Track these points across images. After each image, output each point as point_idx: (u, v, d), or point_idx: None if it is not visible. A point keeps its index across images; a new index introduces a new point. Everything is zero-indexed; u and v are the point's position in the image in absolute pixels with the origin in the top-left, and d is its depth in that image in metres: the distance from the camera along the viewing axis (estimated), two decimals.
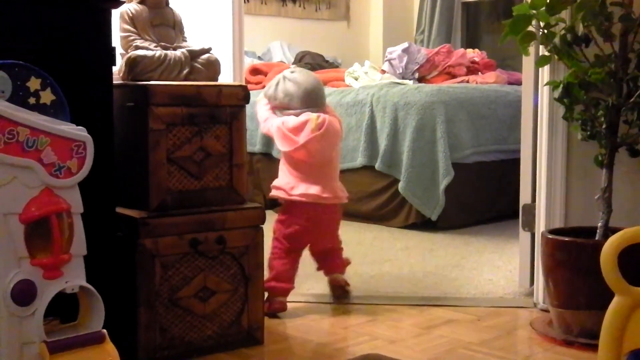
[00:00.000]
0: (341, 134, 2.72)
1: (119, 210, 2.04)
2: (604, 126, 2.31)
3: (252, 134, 4.65)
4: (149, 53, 2.19)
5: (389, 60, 4.78)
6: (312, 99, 2.63)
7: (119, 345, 1.72)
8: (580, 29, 2.32)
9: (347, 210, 4.30)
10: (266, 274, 2.46)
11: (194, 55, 2.25)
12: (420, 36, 6.42)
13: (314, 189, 2.56)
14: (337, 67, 5.53)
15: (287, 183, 2.60)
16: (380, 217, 4.20)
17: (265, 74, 5.02)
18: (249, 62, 5.25)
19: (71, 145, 1.63)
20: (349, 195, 2.71)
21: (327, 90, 4.56)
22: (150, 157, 2.07)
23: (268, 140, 4.49)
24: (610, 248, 1.52)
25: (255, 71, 5.08)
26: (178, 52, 2.23)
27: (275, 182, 2.65)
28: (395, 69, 4.73)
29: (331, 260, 2.74)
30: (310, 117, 2.58)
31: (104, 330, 1.68)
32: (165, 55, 2.20)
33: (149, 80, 2.14)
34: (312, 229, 2.61)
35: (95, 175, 1.71)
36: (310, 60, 5.40)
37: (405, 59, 4.75)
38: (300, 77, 2.65)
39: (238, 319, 2.20)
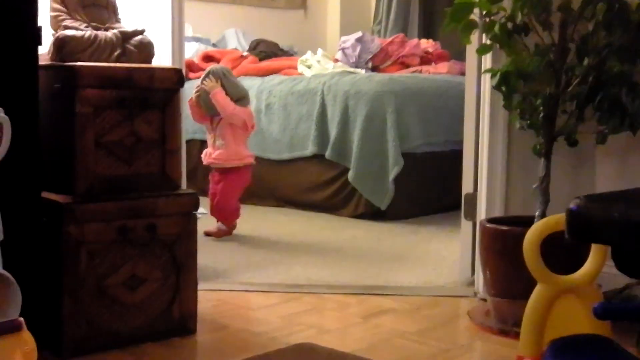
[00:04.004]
0: None
1: (44, 195, 1.97)
2: (541, 116, 2.30)
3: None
4: (78, 33, 2.12)
5: (343, 49, 4.74)
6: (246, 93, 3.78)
7: (44, 336, 1.67)
8: (520, 18, 2.31)
9: (298, 200, 4.29)
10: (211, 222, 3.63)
11: (126, 36, 2.19)
12: (378, 27, 6.38)
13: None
14: (292, 55, 5.46)
15: (245, 153, 3.70)
16: (330, 206, 4.17)
17: (218, 61, 4.94)
18: (202, 49, 5.18)
19: None
20: (299, 184, 4.22)
21: (279, 78, 4.53)
22: (77, 141, 2.01)
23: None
24: (532, 236, 1.50)
25: (207, 58, 5.00)
26: (109, 33, 2.17)
27: (234, 155, 3.67)
28: (349, 58, 4.69)
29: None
30: (250, 109, 3.81)
31: (21, 319, 1.62)
32: (96, 35, 2.14)
33: (77, 62, 2.08)
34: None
35: (20, 158, 1.65)
36: (264, 48, 5.32)
37: (358, 48, 4.71)
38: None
39: (169, 309, 2.14)
